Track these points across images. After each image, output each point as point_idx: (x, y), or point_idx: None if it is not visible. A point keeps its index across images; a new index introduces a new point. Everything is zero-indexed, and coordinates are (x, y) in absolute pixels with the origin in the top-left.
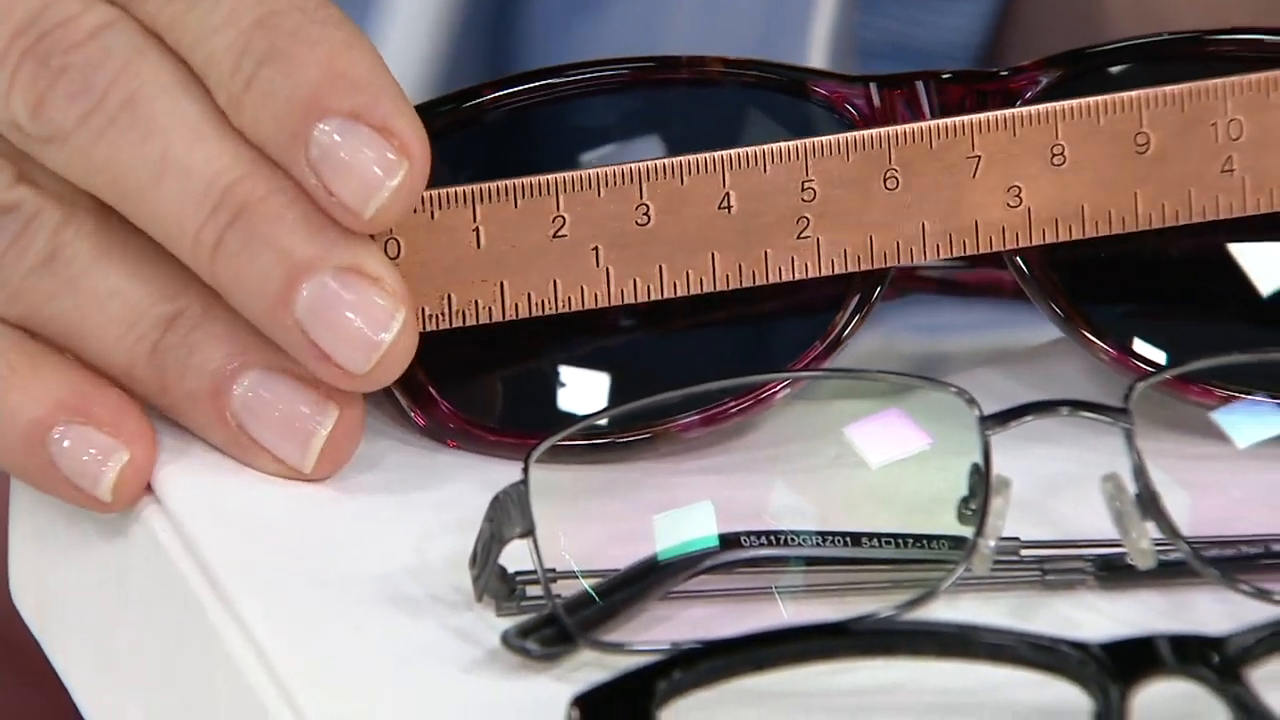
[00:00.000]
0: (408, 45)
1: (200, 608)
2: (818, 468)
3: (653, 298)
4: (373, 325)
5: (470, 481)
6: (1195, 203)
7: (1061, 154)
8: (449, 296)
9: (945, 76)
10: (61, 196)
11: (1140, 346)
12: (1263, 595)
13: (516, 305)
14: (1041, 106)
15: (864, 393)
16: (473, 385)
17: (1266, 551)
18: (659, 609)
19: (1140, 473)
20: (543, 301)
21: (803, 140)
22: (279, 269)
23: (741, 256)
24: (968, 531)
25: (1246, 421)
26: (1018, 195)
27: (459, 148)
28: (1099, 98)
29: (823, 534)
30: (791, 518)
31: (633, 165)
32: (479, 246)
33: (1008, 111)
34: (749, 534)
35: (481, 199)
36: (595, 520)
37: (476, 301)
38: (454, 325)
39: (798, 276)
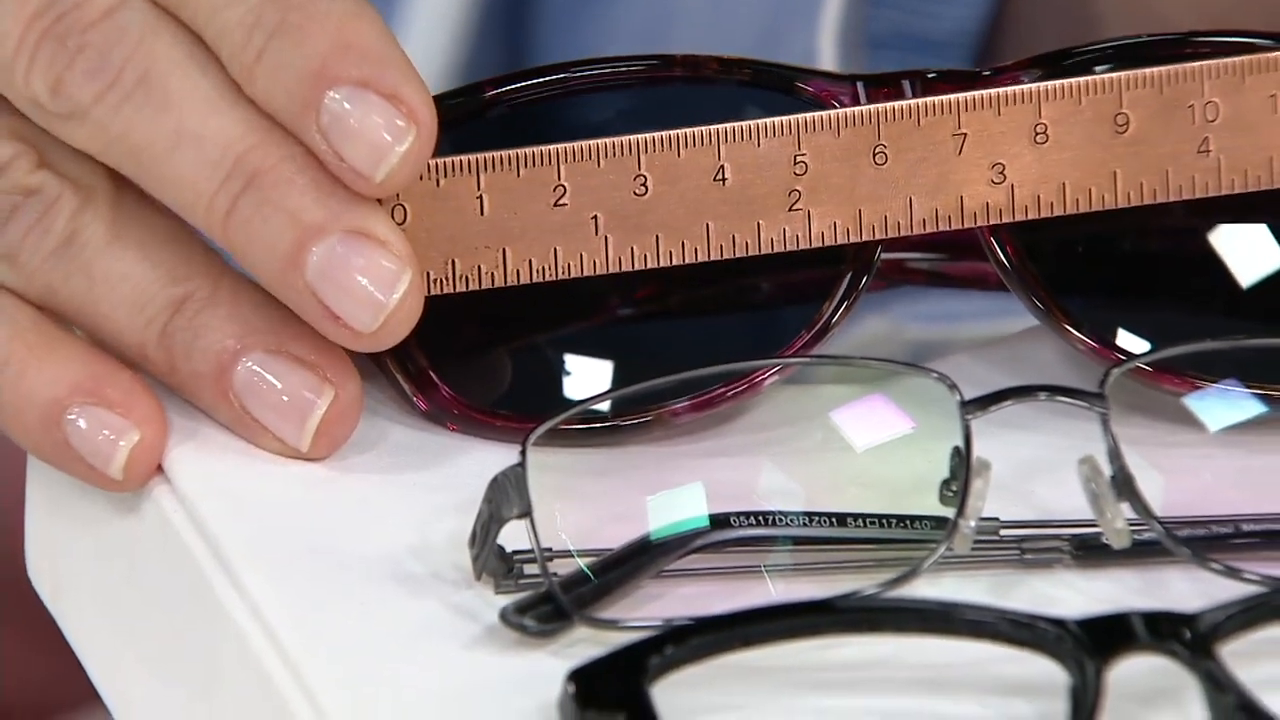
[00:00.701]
0: (429, 38)
1: (208, 584)
2: (805, 451)
3: (649, 266)
4: (380, 286)
5: (470, 464)
6: (1172, 182)
7: (1044, 133)
8: (453, 261)
9: (931, 75)
10: (79, 182)
11: (1115, 335)
12: (1233, 573)
13: (518, 271)
14: (1025, 87)
15: (850, 379)
16: (473, 371)
17: (1236, 531)
18: (652, 587)
19: (1115, 455)
20: (543, 268)
21: (796, 115)
22: (290, 232)
23: (735, 227)
24: (949, 512)
25: (1217, 407)
26: (1001, 172)
27: (466, 139)
28: (1081, 79)
29: (810, 514)
30: (780, 499)
31: (632, 138)
32: (482, 214)
33: (992, 91)
34: (739, 514)
35: (485, 168)
36: (590, 501)
37: (479, 267)
38: (457, 289)
39: (789, 248)
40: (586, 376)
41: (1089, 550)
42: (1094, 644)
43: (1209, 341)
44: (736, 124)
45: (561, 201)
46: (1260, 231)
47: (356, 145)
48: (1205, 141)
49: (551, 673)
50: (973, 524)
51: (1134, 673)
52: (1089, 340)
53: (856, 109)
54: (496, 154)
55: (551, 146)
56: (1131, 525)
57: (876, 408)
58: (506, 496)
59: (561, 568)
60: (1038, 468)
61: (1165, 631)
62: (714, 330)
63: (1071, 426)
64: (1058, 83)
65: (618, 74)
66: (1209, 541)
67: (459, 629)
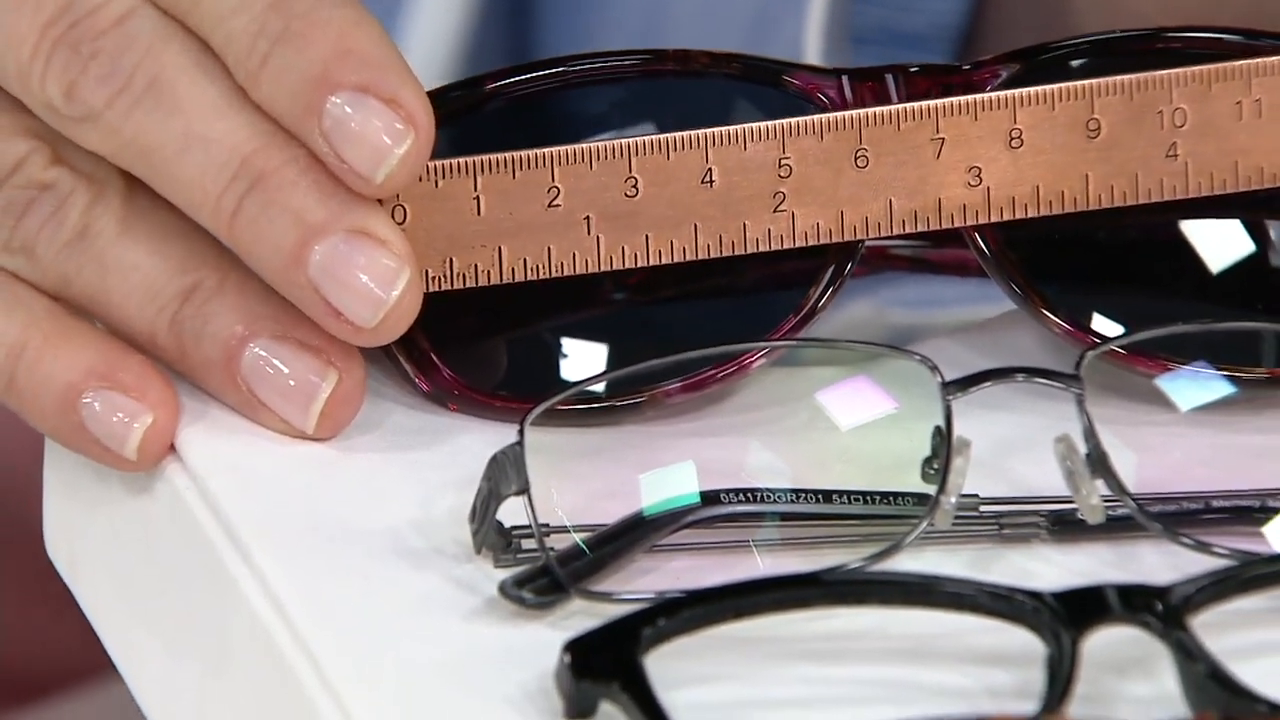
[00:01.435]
0: (433, 33)
1: (219, 560)
2: (792, 430)
3: (639, 265)
4: (380, 283)
5: (470, 442)
6: (1141, 185)
7: (1019, 138)
8: (450, 260)
9: (913, 70)
10: (92, 177)
11: (1090, 320)
12: (1203, 547)
13: (513, 269)
14: (1001, 93)
15: (835, 361)
16: (473, 353)
17: (1206, 507)
18: (645, 561)
19: (1090, 434)
20: (538, 266)
21: (780, 120)
22: (294, 231)
23: (722, 228)
24: (931, 489)
25: (1188, 388)
26: (978, 175)
27: (464, 131)
28: (1054, 86)
29: (797, 491)
30: (768, 476)
31: (623, 141)
32: (479, 214)
33: (970, 97)
34: (728, 491)
35: (482, 170)
36: (586, 479)
37: (476, 265)
38: (455, 286)
39: (774, 248)
40: (582, 359)
41: (1065, 525)
42: (1070, 616)
43: (1180, 325)
44: (724, 128)
45: (555, 202)
46: (1227, 222)
47: (357, 148)
48: (1174, 146)
49: (548, 643)
50: (953, 500)
51: (1108, 643)
52: (1065, 324)
53: (839, 114)
54: (493, 156)
55: (546, 150)
56: (1106, 501)
57: (861, 389)
58: (505, 474)
59: (558, 543)
60: (1016, 446)
61: (1138, 604)
62: (705, 315)
63: (1048, 407)
64: (1032, 89)
65: (611, 68)
66: (1180, 517)
67: (459, 601)
